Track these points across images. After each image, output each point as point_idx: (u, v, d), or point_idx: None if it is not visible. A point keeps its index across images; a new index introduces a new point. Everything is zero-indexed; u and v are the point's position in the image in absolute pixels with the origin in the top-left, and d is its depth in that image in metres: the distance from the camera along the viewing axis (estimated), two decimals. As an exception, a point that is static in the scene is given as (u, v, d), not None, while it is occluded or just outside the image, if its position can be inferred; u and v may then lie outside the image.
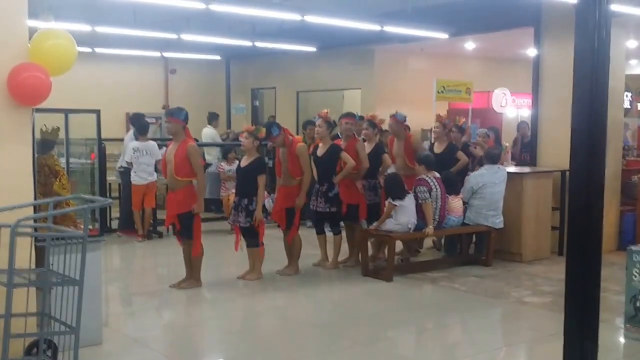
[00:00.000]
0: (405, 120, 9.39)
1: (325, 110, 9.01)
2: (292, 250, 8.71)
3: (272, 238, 9.13)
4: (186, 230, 7.85)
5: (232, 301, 7.74)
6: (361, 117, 12.25)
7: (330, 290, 8.44)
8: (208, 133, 14.07)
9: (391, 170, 9.34)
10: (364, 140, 9.21)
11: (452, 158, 9.68)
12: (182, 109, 7.96)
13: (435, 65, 14.96)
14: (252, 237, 8.29)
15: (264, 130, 8.44)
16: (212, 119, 14.27)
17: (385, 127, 9.86)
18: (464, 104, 13.59)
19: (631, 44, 13.07)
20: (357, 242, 9.05)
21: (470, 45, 14.44)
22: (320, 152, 8.90)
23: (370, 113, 9.70)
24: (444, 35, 11.42)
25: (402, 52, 14.45)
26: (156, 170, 11.24)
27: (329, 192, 8.78)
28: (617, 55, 9.81)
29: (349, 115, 9.30)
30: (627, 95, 12.87)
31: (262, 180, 8.12)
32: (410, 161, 9.20)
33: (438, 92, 12.71)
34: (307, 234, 9.23)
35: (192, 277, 8.02)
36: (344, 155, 8.71)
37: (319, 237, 9.12)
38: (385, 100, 14.01)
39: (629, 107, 13.96)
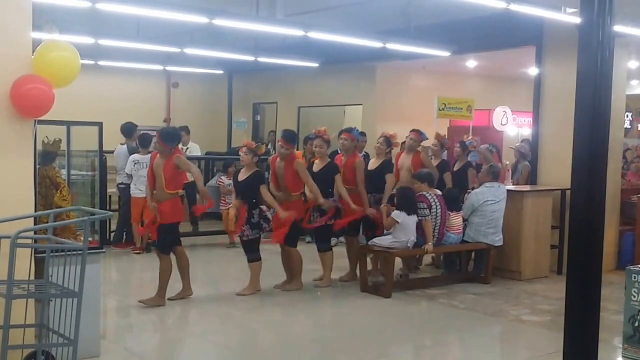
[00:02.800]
0: (424, 139, 9.63)
1: (323, 128, 9.02)
2: (293, 265, 8.67)
3: (271, 253, 9.10)
4: (161, 243, 7.91)
5: (231, 316, 7.72)
6: (362, 133, 12.31)
7: (329, 306, 8.42)
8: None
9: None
10: (364, 155, 9.27)
11: (443, 175, 9.84)
12: (174, 135, 8.00)
13: (437, 83, 15.00)
14: (253, 251, 8.31)
15: (263, 147, 8.49)
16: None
17: (400, 139, 9.93)
18: (464, 122, 13.62)
19: (632, 64, 13.12)
20: (356, 256, 9.06)
21: (471, 63, 14.49)
22: (316, 168, 8.89)
23: (391, 132, 9.65)
24: (445, 53, 11.46)
25: (404, 69, 14.49)
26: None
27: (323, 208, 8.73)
28: (619, 75, 9.84)
29: (346, 130, 9.32)
30: (627, 116, 12.91)
31: (264, 189, 8.20)
32: None
33: (439, 110, 12.73)
34: (306, 249, 9.21)
35: (158, 293, 7.87)
36: (338, 180, 8.71)
37: (320, 255, 9.02)
38: (387, 117, 14.05)
39: (629, 127, 13.98)
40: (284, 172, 8.47)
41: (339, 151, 9.77)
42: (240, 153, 8.50)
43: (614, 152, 9.84)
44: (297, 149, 9.06)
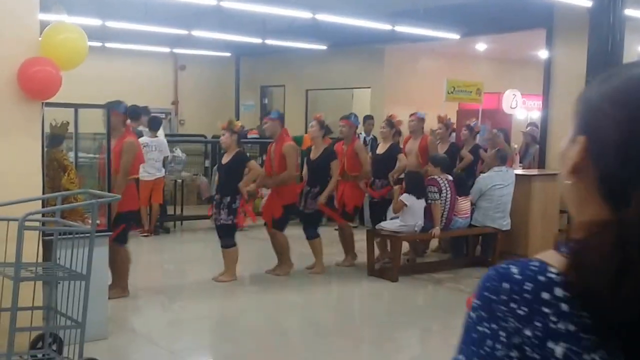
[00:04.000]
0: (423, 119, 9.52)
1: (320, 114, 9.00)
2: (280, 249, 8.54)
3: (257, 240, 9.02)
4: (115, 232, 6.89)
5: (237, 299, 7.74)
6: (369, 117, 12.25)
7: (336, 290, 8.43)
8: None
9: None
10: (368, 140, 9.24)
11: (454, 158, 9.79)
12: (121, 102, 7.48)
13: (446, 66, 14.90)
14: (228, 236, 8.13)
15: (238, 123, 8.38)
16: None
17: (404, 127, 9.88)
18: (474, 105, 13.54)
19: None
20: (349, 241, 9.08)
21: (481, 46, 14.39)
22: (313, 155, 8.83)
23: (390, 113, 9.67)
24: (455, 36, 11.39)
25: (413, 51, 14.41)
26: (164, 166, 11.26)
27: (319, 194, 8.60)
28: (629, 59, 9.75)
29: (345, 117, 9.28)
30: None
31: (250, 163, 8.08)
32: (424, 160, 9.21)
33: (448, 93, 12.65)
34: (300, 233, 9.11)
35: (118, 285, 7.36)
36: (334, 165, 8.61)
37: (310, 242, 8.85)
38: (395, 100, 13.98)
39: None
40: (274, 154, 8.40)
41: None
42: (222, 137, 8.20)
43: None
44: (306, 132, 9.01)
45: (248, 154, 12.91)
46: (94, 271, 5.01)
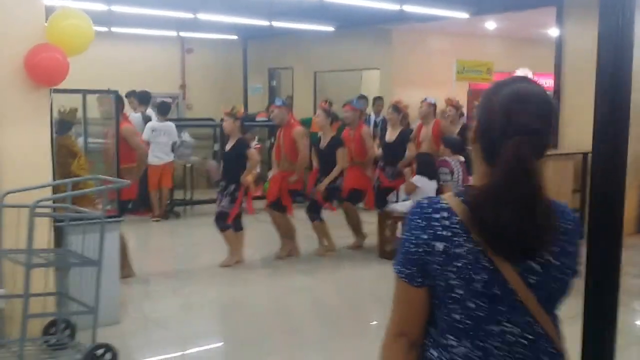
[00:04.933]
0: (435, 104, 9.41)
1: (324, 102, 8.95)
2: (287, 232, 8.56)
3: (267, 223, 9.01)
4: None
5: (247, 282, 7.75)
6: (379, 98, 12.18)
7: (347, 272, 8.42)
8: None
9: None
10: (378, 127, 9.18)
11: (466, 140, 9.69)
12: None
13: (455, 45, 14.77)
14: (236, 220, 8.13)
15: (241, 109, 8.36)
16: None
17: (413, 110, 9.80)
18: (484, 85, 13.46)
19: None
20: (355, 224, 9.09)
21: (491, 24, 14.24)
22: (322, 143, 8.79)
23: (395, 98, 9.59)
24: (464, 15, 11.28)
25: (422, 31, 14.29)
26: (173, 150, 11.25)
27: (331, 182, 8.61)
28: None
29: (348, 103, 9.26)
30: None
31: (252, 155, 8.03)
32: (437, 145, 9.17)
33: (458, 73, 12.57)
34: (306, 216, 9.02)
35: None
36: (339, 153, 8.54)
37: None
38: (405, 81, 13.89)
39: None
40: (283, 140, 8.38)
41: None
42: (224, 123, 8.21)
43: (637, 115, 9.62)
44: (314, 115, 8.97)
45: (257, 137, 12.95)
46: (105, 257, 5.03)
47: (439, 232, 1.76)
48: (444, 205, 1.79)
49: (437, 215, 1.77)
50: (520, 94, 1.81)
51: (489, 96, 1.85)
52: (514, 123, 1.76)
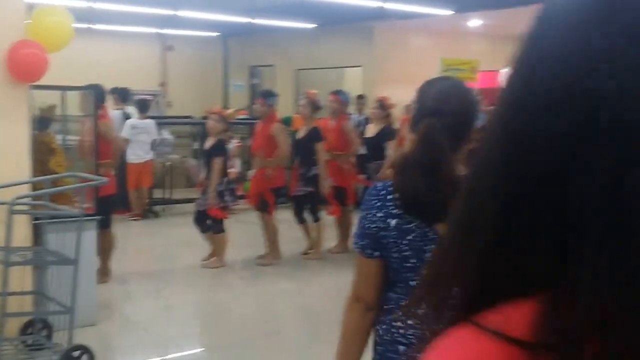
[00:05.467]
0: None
1: (313, 91, 8.79)
2: (268, 236, 8.34)
3: (247, 224, 8.94)
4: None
5: (228, 284, 7.70)
6: (361, 96, 12.12)
7: (331, 276, 8.33)
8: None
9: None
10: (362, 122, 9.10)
11: None
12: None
13: (440, 43, 14.75)
14: (217, 222, 8.02)
15: (233, 114, 8.27)
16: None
17: (397, 110, 9.73)
18: (469, 84, 13.42)
19: None
20: (345, 227, 8.82)
21: (475, 22, 14.21)
22: (300, 134, 8.60)
23: (381, 95, 9.49)
24: (447, 12, 11.27)
25: (405, 29, 14.26)
26: (152, 148, 11.15)
27: (306, 172, 8.39)
28: None
29: (335, 92, 9.01)
30: None
31: (217, 163, 7.82)
32: None
33: (442, 71, 12.52)
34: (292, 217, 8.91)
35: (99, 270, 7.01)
36: (319, 148, 8.34)
37: (301, 226, 8.70)
38: (387, 79, 13.84)
39: None
40: (260, 133, 8.26)
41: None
42: (208, 121, 8.13)
43: None
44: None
45: (237, 135, 12.87)
46: (83, 256, 4.95)
47: (392, 211, 2.02)
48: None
49: (390, 196, 2.03)
50: (440, 87, 2.19)
51: (421, 89, 2.21)
52: (426, 107, 2.10)
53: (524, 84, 0.60)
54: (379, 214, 2.05)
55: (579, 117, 0.54)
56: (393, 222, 2.03)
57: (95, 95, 6.72)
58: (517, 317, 0.56)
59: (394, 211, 2.02)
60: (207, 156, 8.03)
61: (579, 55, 0.55)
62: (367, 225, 2.08)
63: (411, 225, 2.01)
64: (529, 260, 0.57)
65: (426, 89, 2.18)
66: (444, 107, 2.05)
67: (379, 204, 2.06)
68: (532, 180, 0.56)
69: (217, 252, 8.09)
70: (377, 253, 2.08)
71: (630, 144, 0.51)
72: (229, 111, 8.23)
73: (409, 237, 2.02)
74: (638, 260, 0.51)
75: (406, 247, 2.03)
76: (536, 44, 0.61)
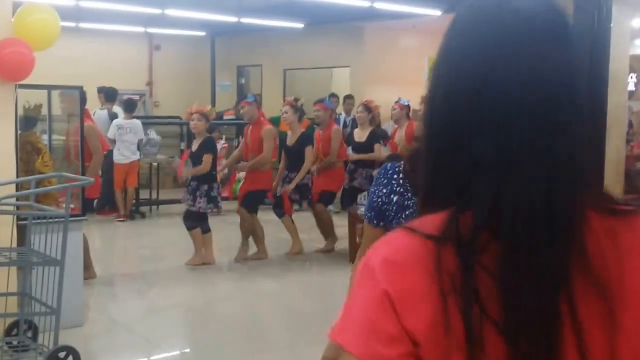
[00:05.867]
0: (408, 106, 9.26)
1: (291, 97, 8.80)
2: (255, 236, 8.37)
3: (235, 225, 8.88)
4: None
5: (215, 285, 7.65)
6: (349, 96, 12.10)
7: (316, 277, 8.32)
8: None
9: None
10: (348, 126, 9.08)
11: None
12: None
13: (428, 43, 14.65)
14: (204, 221, 8.02)
15: (214, 111, 8.25)
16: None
17: (385, 110, 9.69)
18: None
19: (637, 23, 12.55)
20: (326, 227, 8.91)
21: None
22: (290, 141, 8.60)
23: (366, 98, 9.47)
24: (436, 12, 11.26)
25: (393, 29, 14.23)
26: (139, 148, 11.07)
27: (301, 180, 8.47)
28: (621, 35, 9.43)
29: (319, 101, 9.09)
30: (631, 77, 12.42)
31: (208, 159, 7.81)
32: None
33: (429, 70, 12.52)
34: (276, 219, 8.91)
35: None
36: (308, 151, 8.39)
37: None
38: (376, 79, 13.81)
39: (633, 89, 13.39)
40: (251, 138, 8.23)
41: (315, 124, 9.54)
42: (191, 122, 8.06)
43: (616, 116, 9.44)
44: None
45: (224, 136, 12.83)
46: (69, 256, 4.90)
47: (395, 188, 2.29)
48: (399, 167, 2.32)
49: (395, 176, 2.29)
50: None
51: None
52: None
53: (437, 89, 1.04)
54: (384, 190, 2.32)
55: (468, 109, 0.98)
56: (395, 198, 2.30)
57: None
58: (429, 222, 0.97)
59: (397, 189, 2.30)
60: (197, 157, 7.95)
61: (466, 74, 0.99)
62: (374, 200, 2.35)
63: (409, 202, 2.29)
64: (448, 188, 1.00)
65: None
66: None
67: (385, 181, 2.33)
68: (448, 142, 1.01)
69: (199, 248, 8.04)
70: (381, 223, 2.35)
71: (491, 126, 0.96)
72: (208, 108, 8.16)
73: (407, 212, 2.29)
74: (507, 185, 0.93)
75: (404, 221, 2.25)
76: (442, 60, 1.05)
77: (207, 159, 7.81)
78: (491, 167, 0.94)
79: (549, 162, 0.94)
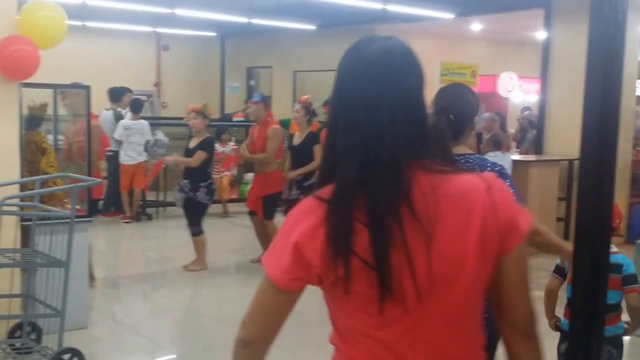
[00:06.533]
0: None
1: (306, 97, 8.64)
2: (270, 239, 8.11)
3: (243, 227, 8.81)
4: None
5: (221, 287, 7.59)
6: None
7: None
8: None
9: None
10: None
11: None
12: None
13: (440, 47, 14.59)
14: (197, 224, 7.91)
15: (211, 109, 8.15)
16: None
17: None
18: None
19: None
20: None
21: (476, 26, 14.10)
22: (296, 140, 8.40)
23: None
24: (449, 15, 11.17)
25: (405, 32, 14.08)
26: (145, 150, 11.01)
27: (304, 181, 8.17)
28: (630, 40, 9.42)
29: (326, 103, 8.89)
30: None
31: (200, 155, 7.73)
32: None
33: (442, 75, 12.42)
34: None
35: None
36: (316, 150, 8.15)
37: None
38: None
39: None
40: (257, 138, 8.09)
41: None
42: (188, 120, 8.00)
43: (625, 120, 9.43)
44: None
45: (234, 138, 12.77)
46: (74, 258, 4.85)
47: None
48: None
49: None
50: (450, 92, 3.28)
51: (437, 94, 3.20)
52: (438, 107, 2.97)
53: (332, 108, 1.80)
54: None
55: (336, 122, 1.69)
56: None
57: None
58: (328, 190, 1.58)
59: None
60: (192, 154, 7.85)
61: (339, 105, 1.77)
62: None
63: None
64: (330, 170, 1.62)
65: (440, 94, 3.10)
66: (450, 108, 2.90)
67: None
68: (330, 140, 1.67)
69: (199, 254, 7.96)
70: None
71: (345, 132, 1.63)
72: (204, 104, 8.06)
73: None
74: (361, 164, 1.57)
75: None
76: (337, 86, 1.86)
77: (199, 154, 7.71)
78: (349, 154, 1.58)
79: (382, 146, 1.56)
